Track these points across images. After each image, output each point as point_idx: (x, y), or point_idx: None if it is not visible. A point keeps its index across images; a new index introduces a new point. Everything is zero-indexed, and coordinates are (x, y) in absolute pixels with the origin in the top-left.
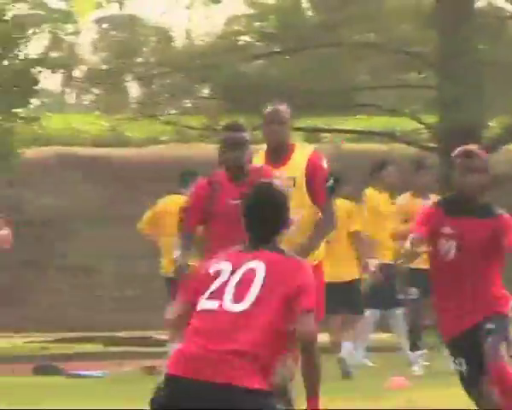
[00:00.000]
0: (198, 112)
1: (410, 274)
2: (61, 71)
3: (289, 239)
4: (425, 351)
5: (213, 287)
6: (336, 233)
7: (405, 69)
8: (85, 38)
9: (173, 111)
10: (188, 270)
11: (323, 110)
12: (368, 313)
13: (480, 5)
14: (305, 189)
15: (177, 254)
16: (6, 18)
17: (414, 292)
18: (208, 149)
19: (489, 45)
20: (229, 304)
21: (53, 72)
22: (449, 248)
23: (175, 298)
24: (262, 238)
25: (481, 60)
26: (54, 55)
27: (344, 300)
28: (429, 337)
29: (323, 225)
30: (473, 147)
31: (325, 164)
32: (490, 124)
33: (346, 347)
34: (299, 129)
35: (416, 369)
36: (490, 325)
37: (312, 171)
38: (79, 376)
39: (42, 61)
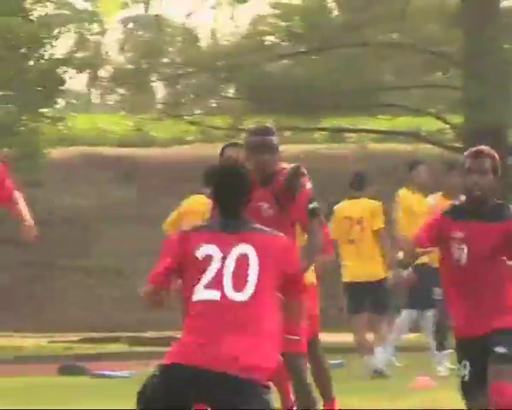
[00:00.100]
0: (223, 112)
1: (436, 274)
2: (87, 71)
3: None
4: (450, 351)
5: (208, 275)
6: (361, 233)
7: (430, 69)
8: (111, 38)
9: (198, 111)
10: None
11: (348, 110)
12: (404, 313)
13: (506, 5)
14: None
15: None
16: (32, 18)
17: (439, 292)
18: None
19: None
20: (230, 293)
21: (78, 72)
22: (461, 252)
23: None
24: (232, 210)
25: (507, 59)
26: (79, 55)
27: (369, 300)
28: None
29: (308, 250)
30: (484, 148)
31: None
32: None
33: (379, 352)
34: (324, 129)
35: (441, 369)
36: (502, 350)
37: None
38: (104, 376)
39: (67, 61)
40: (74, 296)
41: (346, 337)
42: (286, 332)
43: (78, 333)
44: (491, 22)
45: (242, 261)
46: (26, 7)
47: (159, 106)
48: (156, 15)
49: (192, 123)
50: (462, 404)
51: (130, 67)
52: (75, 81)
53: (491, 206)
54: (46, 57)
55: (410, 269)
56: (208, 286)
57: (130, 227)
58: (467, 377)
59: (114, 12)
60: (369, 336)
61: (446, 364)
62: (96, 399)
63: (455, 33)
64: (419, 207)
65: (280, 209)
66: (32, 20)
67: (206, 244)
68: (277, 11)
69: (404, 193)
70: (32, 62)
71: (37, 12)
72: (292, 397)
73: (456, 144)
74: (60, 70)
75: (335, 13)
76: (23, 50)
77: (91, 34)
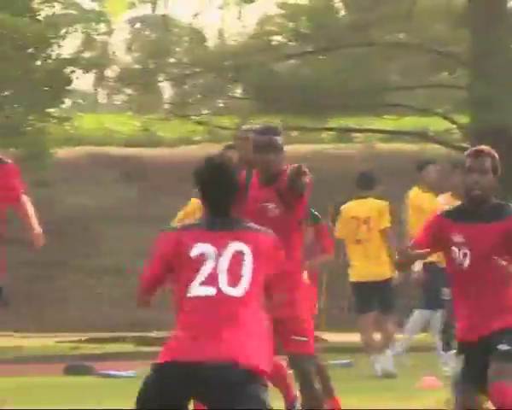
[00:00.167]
0: (230, 112)
1: (444, 274)
2: (94, 71)
3: None
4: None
5: (203, 273)
6: (368, 233)
7: (437, 69)
8: (118, 38)
9: (205, 111)
10: None
11: (355, 110)
12: (416, 313)
13: None
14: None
15: None
16: (39, 18)
17: (447, 292)
18: None
19: None
20: (225, 288)
21: (85, 72)
22: (463, 255)
23: None
24: (222, 208)
25: None
26: (86, 55)
27: (376, 299)
28: None
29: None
30: (484, 147)
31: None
32: None
33: (389, 355)
34: (331, 129)
35: (448, 369)
36: (504, 347)
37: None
38: (110, 376)
39: (74, 61)
40: (74, 296)
41: (352, 337)
42: (293, 333)
43: (78, 333)
44: (498, 22)
45: (237, 259)
46: (33, 7)
47: (166, 106)
48: (163, 15)
49: (199, 123)
50: None
51: (137, 67)
52: (82, 81)
53: (490, 206)
54: (53, 57)
55: (420, 268)
56: (203, 283)
57: (136, 227)
58: (462, 372)
59: (121, 12)
60: (376, 336)
61: (452, 364)
62: (102, 399)
63: (462, 33)
64: (430, 206)
65: (286, 209)
66: (39, 20)
67: (200, 243)
68: (284, 11)
69: (415, 191)
70: (39, 62)
71: (45, 12)
72: (294, 392)
73: (463, 144)
74: (67, 70)
75: (342, 13)
76: (30, 50)
77: (98, 34)
